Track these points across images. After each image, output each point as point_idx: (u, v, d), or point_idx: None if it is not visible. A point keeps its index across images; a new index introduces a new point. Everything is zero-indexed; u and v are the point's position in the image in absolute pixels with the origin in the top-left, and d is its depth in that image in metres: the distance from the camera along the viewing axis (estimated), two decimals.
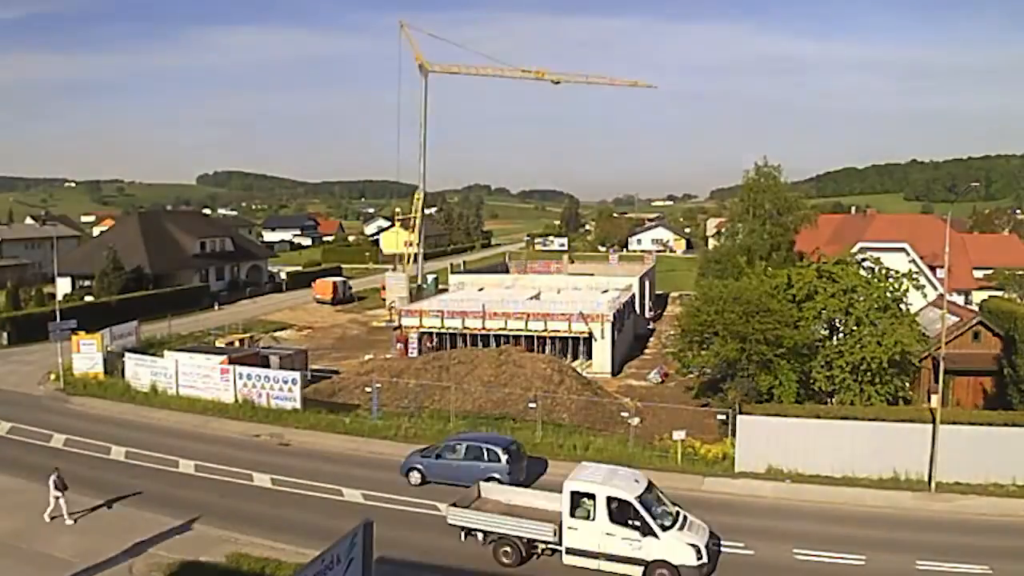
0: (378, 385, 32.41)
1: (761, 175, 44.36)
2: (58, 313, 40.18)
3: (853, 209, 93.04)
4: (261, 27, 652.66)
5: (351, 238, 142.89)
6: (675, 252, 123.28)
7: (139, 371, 35.64)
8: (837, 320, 29.90)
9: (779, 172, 45.78)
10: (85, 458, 26.63)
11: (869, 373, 28.02)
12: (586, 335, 41.12)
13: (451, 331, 42.91)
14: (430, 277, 69.16)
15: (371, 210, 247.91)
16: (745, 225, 43.57)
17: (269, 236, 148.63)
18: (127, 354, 37.85)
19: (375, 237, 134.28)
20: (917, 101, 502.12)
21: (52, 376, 37.75)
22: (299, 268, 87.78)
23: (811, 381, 29.62)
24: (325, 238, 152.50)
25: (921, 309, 32.49)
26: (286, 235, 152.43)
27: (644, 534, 18.04)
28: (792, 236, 44.21)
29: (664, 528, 18.24)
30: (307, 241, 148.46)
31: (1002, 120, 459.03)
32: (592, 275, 60.60)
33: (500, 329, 41.75)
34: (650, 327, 53.86)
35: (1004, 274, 56.72)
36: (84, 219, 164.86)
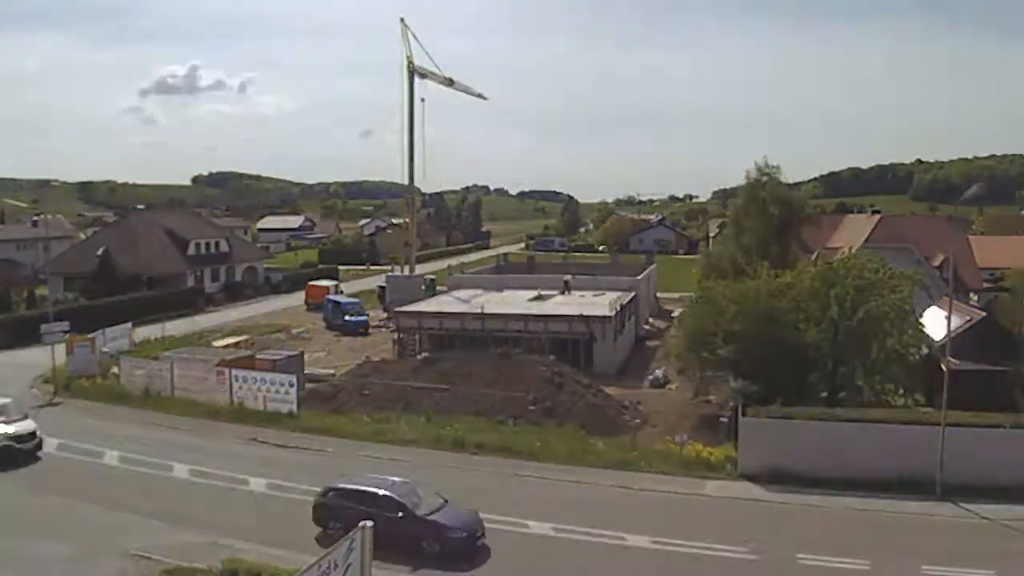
0: (375, 388, 32.08)
1: (762, 175, 44.25)
2: (50, 315, 39.80)
3: (855, 209, 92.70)
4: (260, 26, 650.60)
5: (348, 239, 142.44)
6: (677, 253, 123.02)
7: (133, 374, 35.27)
8: (840, 321, 29.56)
9: (779, 172, 45.73)
10: (78, 463, 26.30)
11: (873, 375, 27.73)
12: (587, 337, 40.77)
13: (450, 332, 42.54)
14: (428, 278, 68.82)
15: (369, 208, 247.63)
16: (747, 225, 43.40)
17: (265, 237, 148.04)
18: (121, 357, 37.50)
19: (372, 238, 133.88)
20: (921, 99, 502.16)
21: (44, 379, 37.33)
22: (296, 268, 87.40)
23: (814, 383, 29.32)
24: (322, 239, 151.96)
25: (926, 309, 32.20)
26: (282, 236, 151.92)
27: None
28: (795, 236, 44.03)
29: None
30: (303, 242, 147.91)
31: (1006, 119, 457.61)
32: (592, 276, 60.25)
33: (500, 331, 41.35)
34: (652, 329, 53.56)
35: (1012, 275, 56.37)
36: (77, 219, 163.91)
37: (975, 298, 48.48)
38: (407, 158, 64.31)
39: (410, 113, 63.93)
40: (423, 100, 63.85)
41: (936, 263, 47.49)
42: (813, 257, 37.85)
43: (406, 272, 65.47)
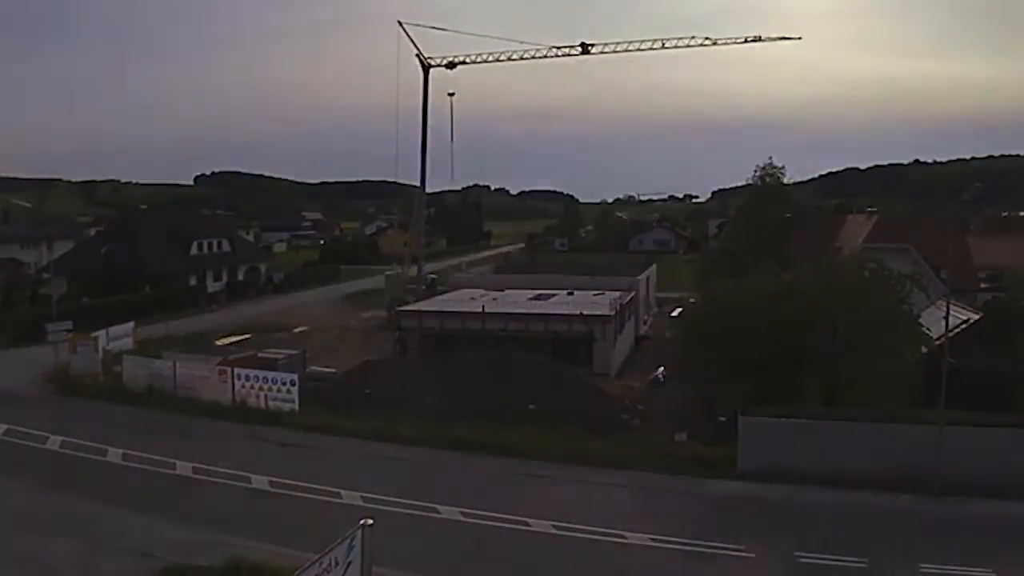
0: (376, 388, 32.21)
1: (766, 175, 44.51)
2: (54, 313, 39.94)
3: (854, 210, 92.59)
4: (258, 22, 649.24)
5: (349, 238, 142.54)
6: (677, 253, 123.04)
7: (136, 372, 35.42)
8: (839, 321, 29.65)
9: (783, 174, 46.04)
10: (81, 460, 26.43)
11: (872, 374, 27.79)
12: (587, 336, 40.86)
13: (450, 332, 42.65)
14: (429, 278, 68.97)
15: (371, 210, 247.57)
16: (748, 225, 43.59)
17: (267, 237, 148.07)
18: (124, 355, 37.65)
19: (373, 237, 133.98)
20: (921, 99, 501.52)
21: (48, 378, 37.49)
22: (298, 268, 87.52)
23: (813, 382, 29.36)
24: (323, 239, 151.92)
25: (924, 310, 32.29)
26: (284, 236, 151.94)
27: None
28: (796, 237, 44.18)
29: None
30: (305, 242, 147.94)
31: (1006, 119, 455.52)
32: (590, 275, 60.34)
33: (500, 330, 41.46)
34: (650, 329, 53.68)
35: (1009, 276, 56.42)
36: (80, 219, 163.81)
37: (974, 297, 48.56)
38: (420, 156, 64.02)
39: (424, 112, 63.50)
40: (452, 95, 63.58)
41: (934, 264, 47.52)
42: (813, 257, 37.92)
43: (412, 272, 65.67)
